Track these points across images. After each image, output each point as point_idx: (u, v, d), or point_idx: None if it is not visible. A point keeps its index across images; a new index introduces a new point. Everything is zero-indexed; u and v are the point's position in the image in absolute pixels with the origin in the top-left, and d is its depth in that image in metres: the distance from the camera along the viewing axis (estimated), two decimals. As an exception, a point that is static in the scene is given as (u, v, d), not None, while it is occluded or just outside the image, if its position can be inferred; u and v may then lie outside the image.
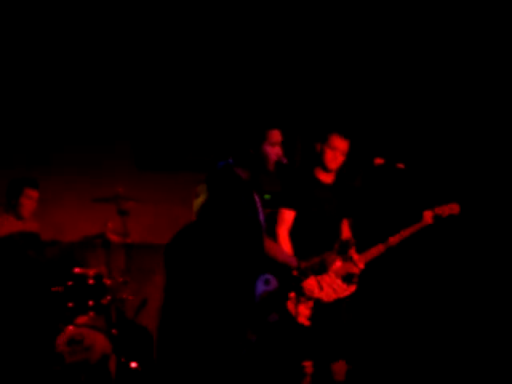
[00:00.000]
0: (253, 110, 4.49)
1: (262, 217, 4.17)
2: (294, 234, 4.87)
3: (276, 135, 4.06)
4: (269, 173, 4.09)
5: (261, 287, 4.05)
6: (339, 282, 4.78)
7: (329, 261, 4.45)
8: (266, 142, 4.02)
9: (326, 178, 4.95)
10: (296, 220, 4.88)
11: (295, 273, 4.22)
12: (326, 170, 4.91)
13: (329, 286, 4.74)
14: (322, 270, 4.51)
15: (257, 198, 4.15)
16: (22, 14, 6.58)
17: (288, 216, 4.84)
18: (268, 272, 4.09)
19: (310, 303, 4.64)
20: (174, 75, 7.06)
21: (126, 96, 7.01)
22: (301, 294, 4.44)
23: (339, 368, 4.82)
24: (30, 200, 5.90)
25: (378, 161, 4.88)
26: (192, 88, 7.09)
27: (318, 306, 4.69)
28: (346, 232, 5.08)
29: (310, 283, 4.64)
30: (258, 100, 6.84)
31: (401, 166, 4.89)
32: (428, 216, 4.91)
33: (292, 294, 4.42)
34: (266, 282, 4.07)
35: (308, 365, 4.74)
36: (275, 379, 4.73)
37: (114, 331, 5.55)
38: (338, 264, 4.75)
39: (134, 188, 6.19)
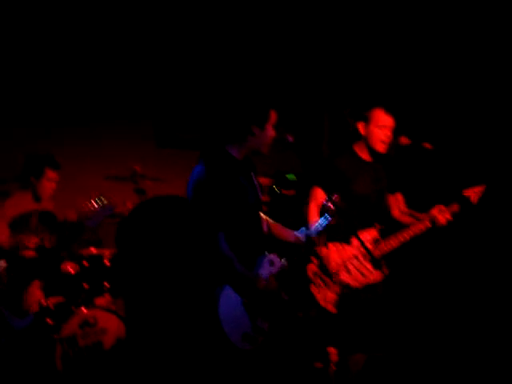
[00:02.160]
0: (260, 90, 4.35)
1: (260, 196, 4.04)
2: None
3: (274, 115, 3.89)
4: (262, 153, 3.93)
5: (266, 268, 3.90)
6: (368, 265, 4.54)
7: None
8: (268, 123, 3.86)
9: (368, 157, 4.71)
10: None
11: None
12: (372, 150, 4.65)
13: (356, 270, 4.52)
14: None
15: (253, 178, 4.02)
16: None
17: (321, 195, 4.60)
18: (270, 252, 3.95)
19: (336, 287, 4.46)
20: (192, 58, 7.07)
21: (146, 76, 6.96)
22: (325, 275, 4.27)
23: (358, 359, 4.62)
24: (50, 182, 5.60)
25: (404, 140, 4.65)
26: (208, 70, 7.09)
27: (346, 292, 4.50)
28: (395, 211, 4.88)
29: (336, 265, 4.45)
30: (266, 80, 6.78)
31: (428, 145, 4.65)
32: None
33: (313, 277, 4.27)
34: (271, 262, 3.92)
35: (333, 352, 4.54)
36: (296, 364, 4.57)
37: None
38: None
39: (151, 167, 6.07)
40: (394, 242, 4.59)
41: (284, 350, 4.08)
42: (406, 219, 4.78)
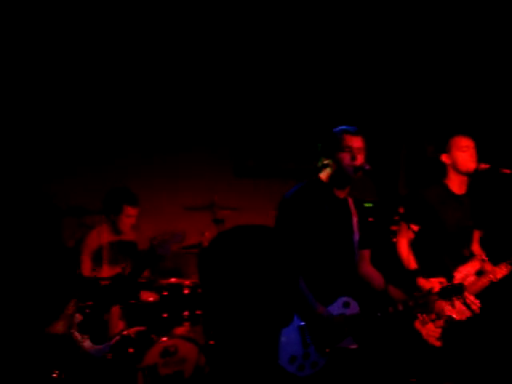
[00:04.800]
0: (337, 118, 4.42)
1: (356, 237, 4.04)
2: (416, 246, 4.65)
3: (350, 140, 3.92)
4: (349, 180, 3.97)
5: (338, 309, 3.88)
6: (472, 298, 4.49)
7: (431, 305, 4.16)
8: (339, 150, 3.91)
9: (459, 189, 4.70)
10: (421, 233, 4.64)
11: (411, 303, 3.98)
12: (462, 174, 4.65)
13: (461, 303, 4.44)
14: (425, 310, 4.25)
15: (353, 216, 4.04)
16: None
17: (412, 230, 4.59)
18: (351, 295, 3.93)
19: (440, 322, 4.41)
20: (269, 88, 7.11)
21: (225, 106, 7.05)
22: (429, 312, 4.21)
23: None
24: (129, 218, 5.75)
25: (483, 166, 4.58)
26: (285, 99, 7.09)
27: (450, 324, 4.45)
28: (476, 247, 4.82)
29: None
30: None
31: (507, 171, 4.56)
32: None
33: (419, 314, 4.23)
34: (345, 304, 3.89)
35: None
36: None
37: (211, 343, 5.46)
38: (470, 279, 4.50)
39: (229, 197, 6.12)
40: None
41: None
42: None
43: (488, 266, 4.61)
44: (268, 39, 6.99)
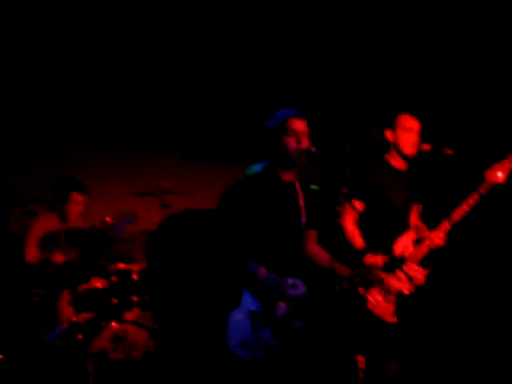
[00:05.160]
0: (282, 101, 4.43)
1: (303, 219, 4.07)
2: (362, 224, 4.67)
3: (295, 124, 3.93)
4: (295, 164, 3.98)
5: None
6: (414, 266, 4.51)
7: (375, 279, 4.24)
8: (283, 133, 3.92)
9: (401, 165, 4.75)
10: (366, 210, 4.67)
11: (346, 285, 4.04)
12: (402, 156, 4.70)
13: (405, 275, 4.45)
14: (371, 285, 4.33)
15: (300, 198, 4.06)
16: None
17: (356, 207, 4.63)
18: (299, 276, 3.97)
19: (391, 297, 4.46)
20: (212, 72, 7.11)
21: (171, 90, 7.01)
22: (375, 287, 4.28)
23: (393, 367, 4.61)
24: (77, 204, 5.79)
25: (425, 147, 4.66)
26: (230, 81, 7.10)
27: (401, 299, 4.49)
28: (414, 219, 4.88)
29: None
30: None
31: (449, 151, 4.65)
32: (492, 175, 4.54)
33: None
34: (293, 286, 3.92)
35: (361, 360, 4.55)
36: (328, 370, 4.56)
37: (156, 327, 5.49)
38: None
39: (176, 181, 6.13)
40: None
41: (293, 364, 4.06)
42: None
43: (425, 233, 4.67)
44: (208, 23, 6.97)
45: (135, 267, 5.60)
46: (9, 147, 6.55)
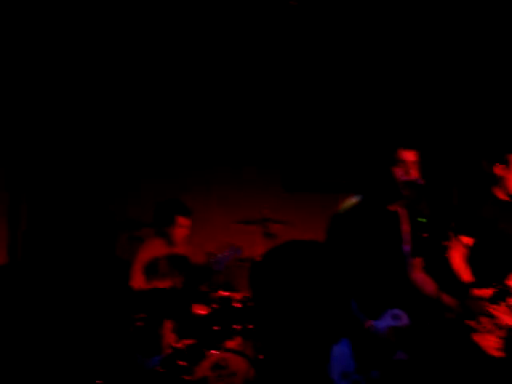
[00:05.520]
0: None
1: (407, 248, 4.01)
2: (471, 259, 4.57)
3: (404, 155, 3.90)
4: (401, 195, 3.94)
5: (387, 322, 3.84)
6: None
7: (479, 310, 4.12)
8: (391, 164, 3.90)
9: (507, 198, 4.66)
10: (476, 244, 4.57)
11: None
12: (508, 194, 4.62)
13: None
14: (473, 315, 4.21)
15: (404, 227, 4.01)
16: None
17: (464, 242, 4.54)
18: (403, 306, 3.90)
19: (501, 332, 4.31)
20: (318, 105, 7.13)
21: (275, 122, 7.08)
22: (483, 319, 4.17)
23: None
24: (182, 228, 5.81)
25: None
26: (335, 115, 7.12)
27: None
28: None
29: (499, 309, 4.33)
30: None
31: None
32: None
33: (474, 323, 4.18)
34: (395, 316, 3.85)
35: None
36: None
37: (260, 357, 5.46)
38: None
39: (279, 211, 6.13)
40: None
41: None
42: None
43: None
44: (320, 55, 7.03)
45: (237, 295, 5.61)
46: (112, 173, 6.73)
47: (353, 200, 4.04)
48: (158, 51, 6.80)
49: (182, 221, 5.79)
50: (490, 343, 4.27)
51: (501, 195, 4.63)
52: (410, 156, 3.91)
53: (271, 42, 6.93)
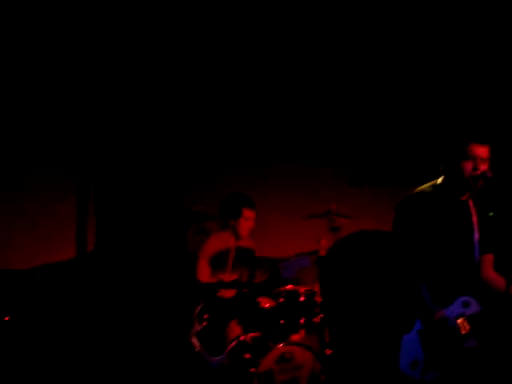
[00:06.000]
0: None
1: (476, 236, 4.01)
2: None
3: (475, 150, 3.90)
4: (469, 188, 3.95)
5: (458, 309, 3.81)
6: None
7: None
8: (461, 158, 3.91)
9: None
10: None
11: None
12: None
13: None
14: None
15: (474, 216, 4.02)
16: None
17: None
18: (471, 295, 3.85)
19: None
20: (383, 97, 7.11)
21: (340, 116, 7.06)
22: None
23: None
24: (248, 221, 5.87)
25: None
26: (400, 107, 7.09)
27: None
28: None
29: None
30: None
31: None
32: None
33: None
34: (465, 304, 3.83)
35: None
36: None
37: (327, 351, 5.45)
38: None
39: (344, 205, 6.10)
40: None
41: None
42: None
43: None
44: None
45: (303, 289, 5.61)
46: (181, 167, 6.83)
47: (424, 188, 4.08)
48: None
49: (248, 213, 5.85)
50: None
51: None
52: (481, 151, 3.92)
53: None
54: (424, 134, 6.85)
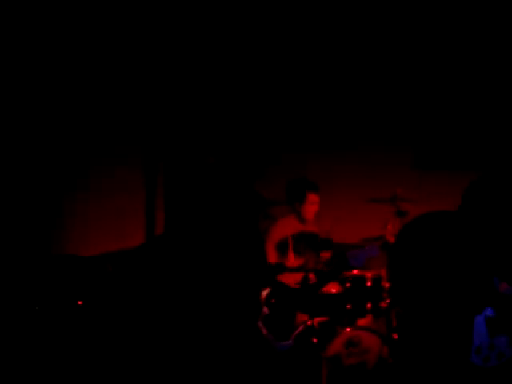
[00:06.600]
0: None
1: None
2: None
3: None
4: None
5: None
6: None
7: None
8: None
9: None
10: None
11: None
12: None
13: None
14: None
15: None
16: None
17: None
18: None
19: None
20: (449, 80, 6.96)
21: (405, 99, 6.99)
22: None
23: None
24: (313, 205, 5.97)
25: None
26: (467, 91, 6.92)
27: None
28: None
29: None
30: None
31: None
32: None
33: None
34: None
35: None
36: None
37: (394, 336, 5.47)
38: None
39: (411, 189, 6.07)
40: None
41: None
42: None
43: None
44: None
45: (369, 274, 5.63)
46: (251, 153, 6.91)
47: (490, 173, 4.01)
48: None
49: (312, 197, 5.95)
50: None
51: None
52: None
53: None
54: (492, 119, 6.73)
